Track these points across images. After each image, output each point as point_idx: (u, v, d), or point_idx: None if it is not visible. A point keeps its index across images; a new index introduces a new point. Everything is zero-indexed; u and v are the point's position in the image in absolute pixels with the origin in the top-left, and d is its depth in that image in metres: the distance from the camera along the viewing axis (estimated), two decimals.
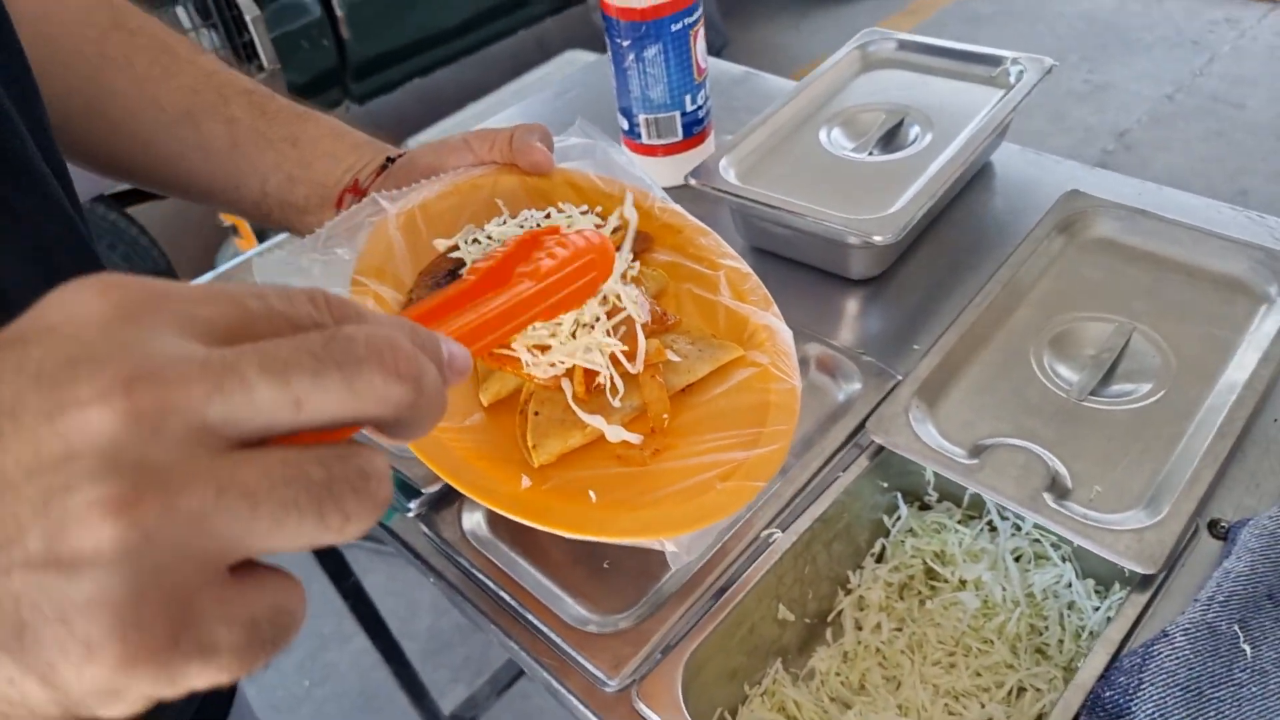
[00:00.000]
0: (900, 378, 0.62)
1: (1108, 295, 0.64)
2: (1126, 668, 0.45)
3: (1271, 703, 0.43)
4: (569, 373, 0.50)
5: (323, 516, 0.20)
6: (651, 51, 0.75)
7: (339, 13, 2.18)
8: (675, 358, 0.53)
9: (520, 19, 2.44)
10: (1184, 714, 0.43)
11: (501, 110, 1.04)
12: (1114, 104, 2.65)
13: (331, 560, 1.16)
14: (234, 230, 1.89)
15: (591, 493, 0.48)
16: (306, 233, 0.59)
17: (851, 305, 0.73)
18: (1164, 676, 0.44)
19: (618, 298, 0.50)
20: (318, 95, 2.22)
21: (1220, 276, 0.63)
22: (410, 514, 0.60)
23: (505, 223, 0.55)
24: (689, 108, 0.79)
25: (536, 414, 0.50)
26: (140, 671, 0.19)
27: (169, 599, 0.19)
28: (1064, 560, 0.57)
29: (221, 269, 0.90)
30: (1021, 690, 0.54)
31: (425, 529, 0.59)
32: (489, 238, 0.54)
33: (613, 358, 0.50)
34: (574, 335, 0.49)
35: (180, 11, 1.43)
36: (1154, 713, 0.42)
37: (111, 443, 0.19)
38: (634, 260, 0.55)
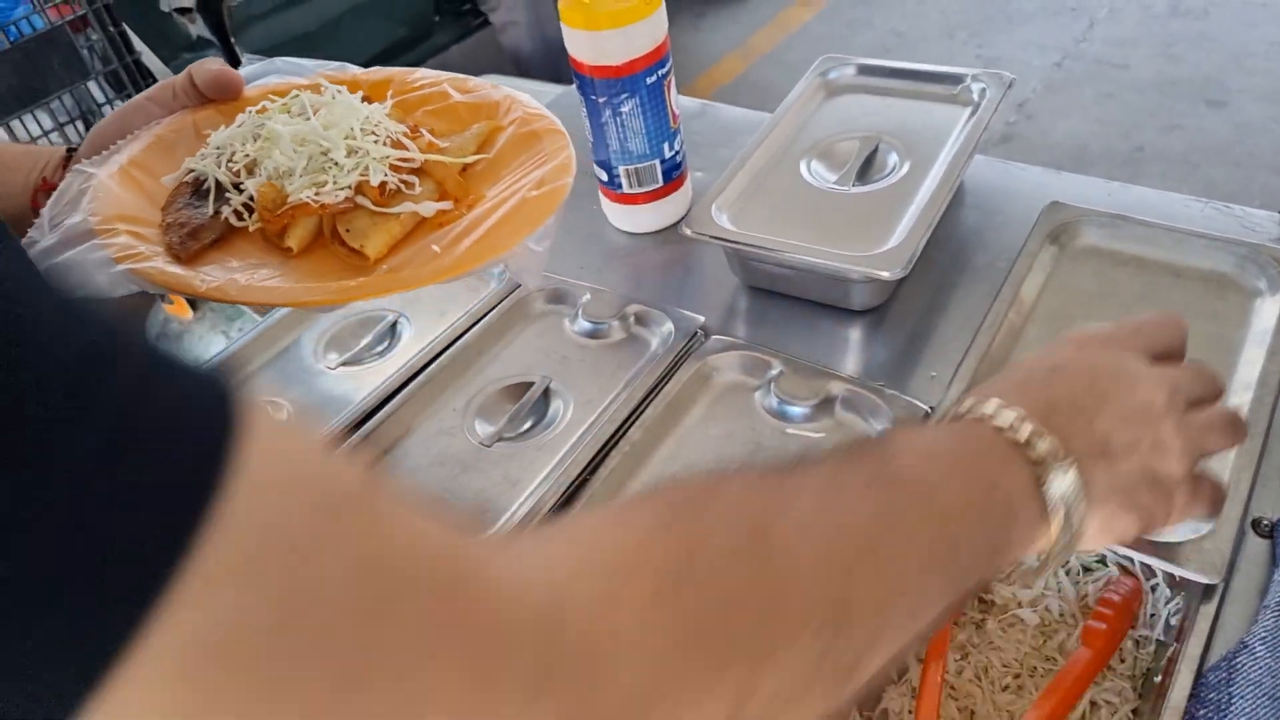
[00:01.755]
0: (927, 409, 0.63)
1: (1107, 304, 0.66)
2: (1214, 683, 0.46)
3: None
4: (358, 190, 0.55)
5: (1227, 435, 0.45)
6: (628, 106, 0.74)
7: (241, 57, 2.10)
8: (444, 144, 0.60)
9: (426, 50, 2.39)
10: None
11: None
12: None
13: None
14: (162, 296, 1.76)
15: (435, 246, 0.54)
16: None
17: (856, 335, 0.73)
18: (1251, 688, 0.46)
19: (375, 125, 0.58)
20: None
21: (1208, 274, 0.66)
22: None
23: (224, 129, 0.59)
24: (667, 154, 0.78)
25: (348, 230, 0.55)
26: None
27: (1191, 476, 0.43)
28: (1107, 566, 0.59)
29: (245, 337, 0.82)
30: (1094, 705, 0.56)
31: None
32: (218, 150, 0.58)
33: (393, 167, 0.57)
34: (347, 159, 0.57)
35: (93, 86, 1.34)
36: None
37: (1164, 405, 0.42)
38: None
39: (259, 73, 0.66)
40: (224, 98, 0.61)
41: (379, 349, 0.79)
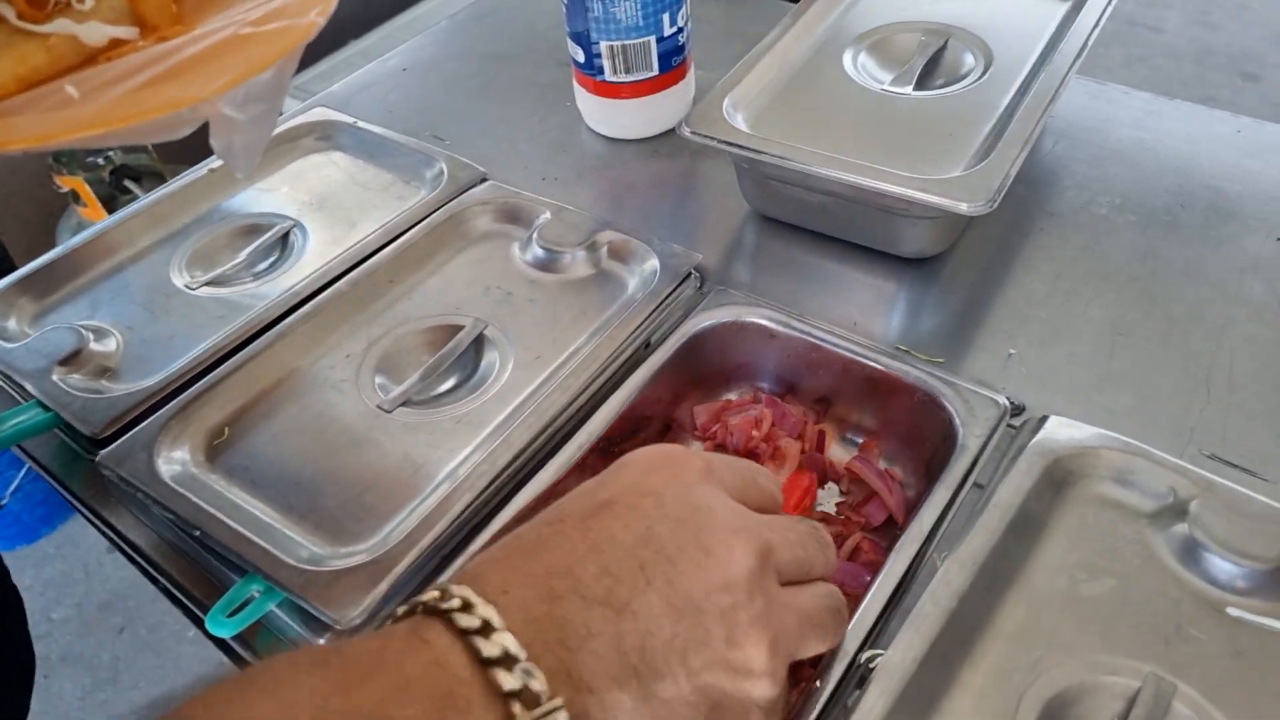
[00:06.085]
0: (1007, 402, 0.45)
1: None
2: None
3: None
4: None
5: (833, 632, 0.32)
6: None
7: None
8: None
9: None
10: None
11: (398, 44, 0.81)
12: None
13: None
14: (74, 197, 1.57)
15: (70, 88, 0.35)
16: None
17: (901, 291, 0.55)
18: None
19: None
20: None
21: None
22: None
23: None
24: (667, 30, 0.58)
25: None
26: None
27: (783, 694, 0.29)
28: None
29: (73, 242, 0.61)
30: None
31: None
32: None
33: None
34: None
35: None
36: None
37: (750, 576, 0.28)
38: None
39: None
40: None
41: (260, 267, 0.59)
